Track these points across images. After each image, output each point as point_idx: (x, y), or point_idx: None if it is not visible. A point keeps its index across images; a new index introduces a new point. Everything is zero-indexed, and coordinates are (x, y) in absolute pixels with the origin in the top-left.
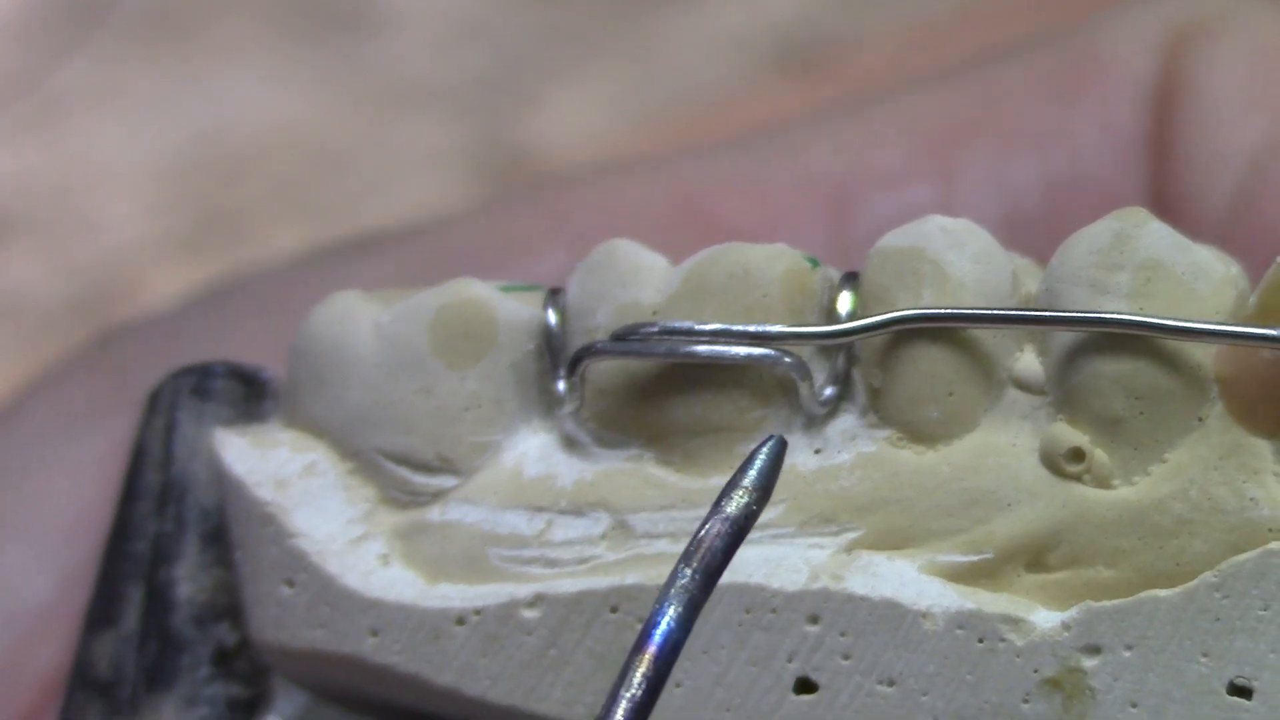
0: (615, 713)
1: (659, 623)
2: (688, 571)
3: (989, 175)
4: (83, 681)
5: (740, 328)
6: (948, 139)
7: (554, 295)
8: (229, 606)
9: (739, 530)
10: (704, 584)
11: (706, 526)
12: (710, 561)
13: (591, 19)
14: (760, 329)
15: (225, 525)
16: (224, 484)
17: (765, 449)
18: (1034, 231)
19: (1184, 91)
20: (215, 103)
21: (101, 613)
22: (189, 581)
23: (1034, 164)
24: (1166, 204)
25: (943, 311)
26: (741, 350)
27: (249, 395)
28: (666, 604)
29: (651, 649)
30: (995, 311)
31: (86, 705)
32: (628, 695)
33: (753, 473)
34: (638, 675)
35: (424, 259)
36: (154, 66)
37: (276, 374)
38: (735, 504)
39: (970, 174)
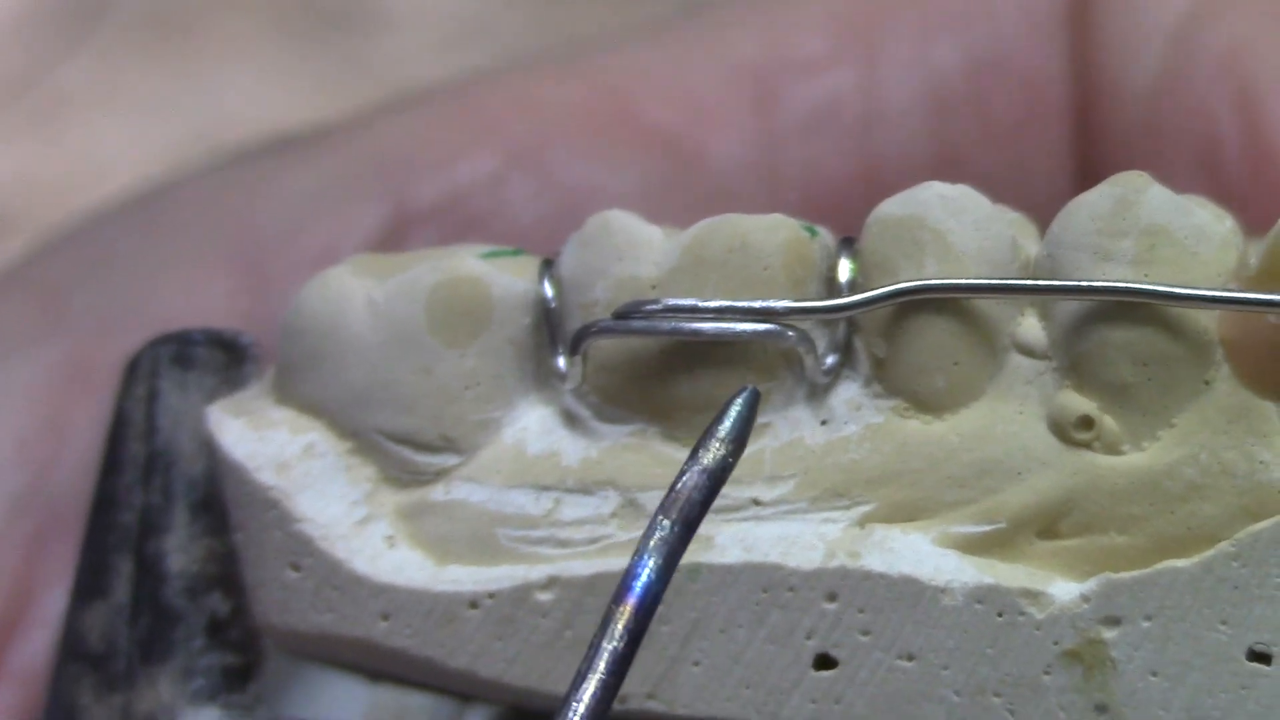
0: (598, 664)
1: (639, 574)
2: (666, 523)
3: (911, 58)
4: (74, 654)
5: (745, 304)
6: (869, 21)
7: (548, 267)
8: (221, 576)
9: (715, 482)
10: (682, 535)
11: (684, 479)
12: (689, 513)
13: (591, 19)
14: (765, 305)
15: (220, 501)
16: (222, 467)
17: (739, 400)
18: (959, 114)
19: None
20: (215, 103)
21: (90, 584)
22: (180, 553)
23: (956, 45)
24: (1089, 82)
25: (948, 283)
26: (747, 327)
27: (230, 361)
28: (646, 555)
29: (632, 600)
30: (1001, 282)
31: (80, 677)
32: (610, 647)
33: (727, 424)
34: (619, 627)
35: (351, 166)
36: (154, 66)
37: (255, 337)
38: (711, 456)
39: (892, 57)
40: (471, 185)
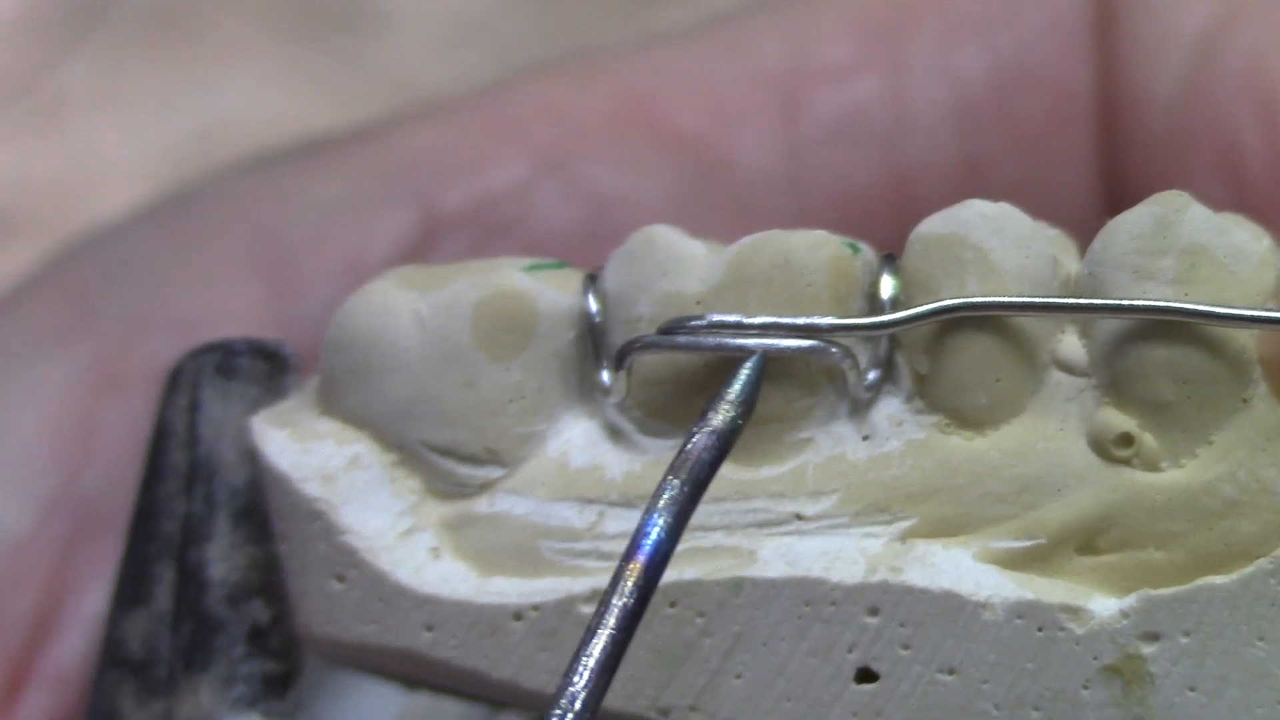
0: (608, 620)
1: (649, 532)
2: (676, 483)
3: (936, 65)
4: (114, 660)
5: (790, 320)
6: (894, 29)
7: (592, 281)
8: (262, 584)
9: (725, 443)
10: (692, 494)
11: (694, 440)
12: (698, 474)
13: (591, 19)
14: (810, 321)
15: (262, 510)
16: (267, 478)
17: (748, 364)
18: (984, 122)
19: None
20: (215, 103)
21: (131, 592)
22: (221, 561)
23: (981, 53)
24: (1113, 91)
25: (991, 300)
26: (791, 343)
27: (271, 371)
28: (655, 514)
29: (641, 558)
30: (1043, 300)
31: (120, 683)
32: (620, 603)
33: (736, 387)
34: (629, 584)
35: (379, 172)
36: (154, 66)
37: (295, 348)
38: (721, 418)
39: (918, 64)
40: (499, 191)
